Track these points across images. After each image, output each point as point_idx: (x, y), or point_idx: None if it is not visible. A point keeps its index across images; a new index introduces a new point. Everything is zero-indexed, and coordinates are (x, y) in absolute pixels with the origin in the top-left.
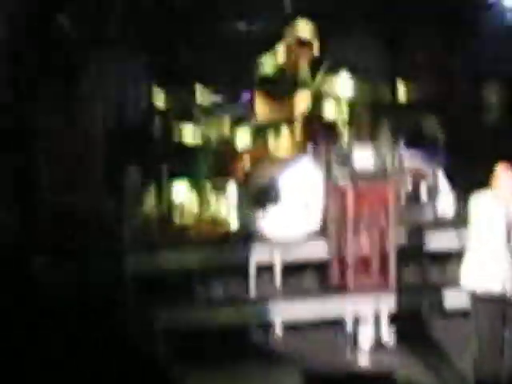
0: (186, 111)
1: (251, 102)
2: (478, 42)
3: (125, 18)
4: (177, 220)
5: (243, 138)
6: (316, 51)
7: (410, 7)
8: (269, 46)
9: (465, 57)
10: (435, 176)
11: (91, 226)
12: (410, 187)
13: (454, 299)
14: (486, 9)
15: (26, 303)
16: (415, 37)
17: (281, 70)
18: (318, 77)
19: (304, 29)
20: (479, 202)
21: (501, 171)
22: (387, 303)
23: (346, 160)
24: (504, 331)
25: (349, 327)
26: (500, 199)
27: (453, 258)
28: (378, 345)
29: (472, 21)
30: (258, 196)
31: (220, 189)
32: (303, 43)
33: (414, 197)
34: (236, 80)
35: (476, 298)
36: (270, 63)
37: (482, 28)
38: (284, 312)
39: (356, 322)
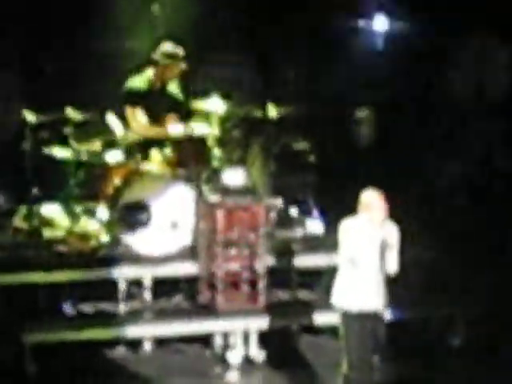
0: (56, 128)
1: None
2: (349, 66)
3: None
4: (47, 235)
5: (114, 155)
6: (185, 66)
7: (282, 32)
8: (139, 62)
9: (335, 81)
10: (306, 196)
11: None
12: (280, 206)
13: (323, 317)
14: (356, 33)
15: None
16: (286, 59)
17: (150, 85)
18: (189, 95)
19: (172, 45)
20: (351, 225)
21: (371, 195)
22: (257, 321)
23: (216, 178)
24: (373, 346)
25: (218, 343)
26: (372, 222)
27: (322, 276)
28: (248, 361)
29: (342, 45)
30: (128, 213)
31: (90, 205)
32: (171, 57)
33: (284, 216)
34: (107, 96)
35: (348, 316)
36: (139, 79)
37: (352, 52)
38: (153, 328)
39: (225, 337)
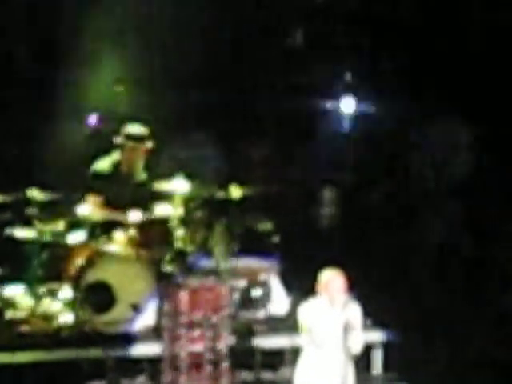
0: (18, 208)
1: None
2: (315, 147)
3: None
4: (9, 315)
5: (77, 236)
6: (149, 148)
7: (248, 113)
8: (104, 144)
9: (301, 161)
10: (268, 276)
11: None
12: (243, 287)
13: None
14: (323, 114)
15: None
16: (251, 139)
17: (116, 169)
18: (152, 176)
19: (136, 127)
20: (312, 308)
21: (330, 275)
22: None
23: (179, 259)
24: None
25: None
26: (333, 303)
27: (285, 356)
28: None
29: (309, 126)
30: (91, 293)
31: (53, 285)
32: (135, 139)
33: (247, 297)
34: (72, 179)
35: None
36: (105, 162)
37: (319, 134)
38: None
39: None
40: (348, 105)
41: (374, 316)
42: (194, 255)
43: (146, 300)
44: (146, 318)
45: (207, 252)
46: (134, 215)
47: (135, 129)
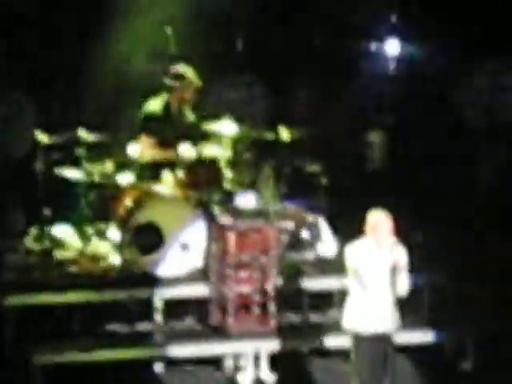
0: (68, 149)
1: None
2: (361, 89)
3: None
4: (58, 256)
5: (126, 177)
6: (198, 89)
7: (295, 55)
8: (152, 86)
9: (347, 105)
10: (316, 218)
11: None
12: (291, 228)
13: (334, 340)
14: (368, 57)
15: None
16: (299, 82)
17: (165, 109)
18: (201, 117)
19: (184, 67)
20: (358, 249)
21: (377, 216)
22: (267, 343)
23: (228, 200)
24: (384, 369)
25: (229, 365)
26: (379, 244)
27: (333, 298)
28: (258, 383)
29: (354, 69)
30: (139, 234)
31: (101, 226)
32: (184, 80)
33: (295, 238)
34: (120, 119)
35: (359, 338)
36: (155, 103)
37: (365, 76)
38: (164, 350)
39: (236, 359)
40: (393, 46)
41: (420, 259)
42: (241, 195)
43: (193, 240)
44: (194, 259)
45: (255, 193)
46: (186, 151)
47: (183, 69)
